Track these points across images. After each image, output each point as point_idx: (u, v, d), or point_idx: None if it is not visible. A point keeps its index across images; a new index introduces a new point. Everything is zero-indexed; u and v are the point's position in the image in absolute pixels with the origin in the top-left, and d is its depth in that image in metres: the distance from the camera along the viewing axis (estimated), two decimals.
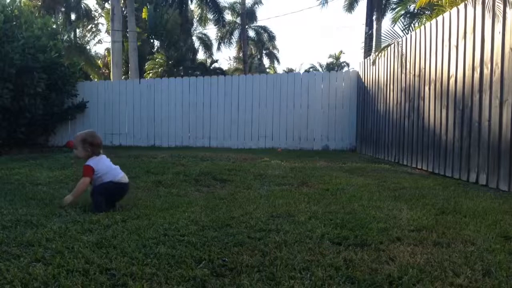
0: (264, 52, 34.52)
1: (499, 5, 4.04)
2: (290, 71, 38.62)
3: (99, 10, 26.86)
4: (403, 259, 1.91)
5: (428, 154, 5.50)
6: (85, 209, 2.89)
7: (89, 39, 26.25)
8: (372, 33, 16.40)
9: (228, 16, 27.14)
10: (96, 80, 20.18)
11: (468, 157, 4.55)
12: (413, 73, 6.06)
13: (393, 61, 6.87)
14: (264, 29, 30.21)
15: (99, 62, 24.79)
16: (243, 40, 27.27)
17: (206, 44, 28.18)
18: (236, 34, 28.19)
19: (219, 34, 27.79)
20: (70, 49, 16.66)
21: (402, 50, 6.46)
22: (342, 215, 2.78)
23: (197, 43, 28.14)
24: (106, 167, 3.06)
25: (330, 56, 41.27)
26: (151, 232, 2.31)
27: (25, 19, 8.99)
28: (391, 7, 16.45)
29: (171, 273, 1.71)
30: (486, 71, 4.25)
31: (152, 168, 5.30)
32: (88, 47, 23.47)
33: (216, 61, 28.76)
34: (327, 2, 19.23)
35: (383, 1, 18.13)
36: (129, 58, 17.01)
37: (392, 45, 6.83)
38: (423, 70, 5.70)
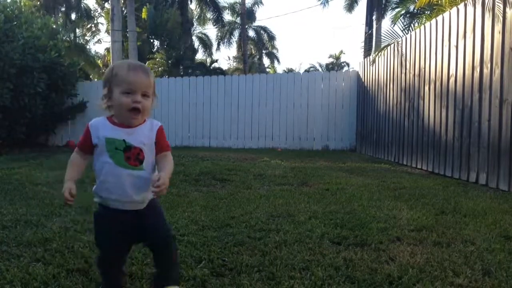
0: (264, 52, 34.51)
1: (499, 5, 4.04)
2: (290, 71, 38.59)
3: (99, 10, 26.88)
4: (403, 259, 1.91)
5: (428, 154, 5.50)
6: (86, 210, 2.89)
7: (89, 39, 26.26)
8: (372, 33, 16.38)
9: (228, 16, 27.16)
10: (96, 80, 20.17)
11: (468, 157, 4.55)
12: (413, 73, 6.05)
13: (393, 61, 6.87)
14: (264, 29, 30.20)
15: (99, 62, 24.78)
16: (243, 40, 27.25)
17: (206, 44, 28.17)
18: (236, 34, 28.18)
19: (219, 34, 27.79)
20: (70, 49, 16.66)
21: (402, 50, 6.47)
22: (342, 215, 2.78)
23: (196, 43, 28.13)
24: None
25: (330, 56, 41.30)
26: None
27: (25, 19, 8.98)
28: (391, 7, 16.44)
29: None
30: (486, 71, 4.25)
31: None
32: (88, 47, 23.47)
33: (216, 61, 28.71)
34: (328, 2, 19.24)
35: (383, 1, 18.12)
36: (129, 58, 17.02)
37: (392, 45, 6.83)
38: (423, 70, 5.70)
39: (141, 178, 1.46)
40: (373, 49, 8.38)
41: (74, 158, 1.56)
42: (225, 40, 27.90)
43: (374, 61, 7.76)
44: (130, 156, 1.45)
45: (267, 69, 35.85)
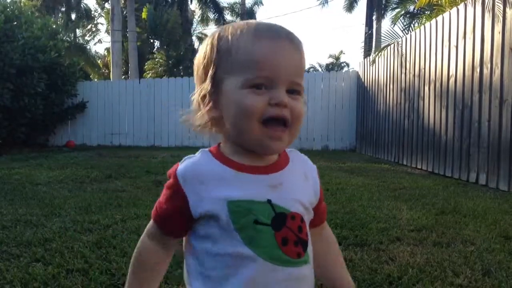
0: None
1: (499, 5, 4.04)
2: None
3: (99, 10, 26.88)
4: (402, 259, 1.91)
5: (428, 154, 5.50)
6: (86, 210, 2.89)
7: (89, 39, 26.27)
8: (372, 33, 16.39)
9: (227, 16, 27.15)
10: (96, 80, 20.18)
11: (468, 157, 4.55)
12: (412, 73, 6.05)
13: (393, 61, 6.87)
14: None
15: (99, 62, 24.78)
16: None
17: None
18: None
19: None
20: (70, 49, 16.66)
21: (402, 50, 6.47)
22: (342, 215, 2.78)
23: (196, 43, 28.15)
24: None
25: (330, 56, 41.26)
26: None
27: (25, 19, 8.98)
28: (391, 7, 16.45)
29: (171, 273, 1.71)
30: (486, 71, 4.25)
31: (152, 168, 5.30)
32: (88, 47, 23.48)
33: None
34: (327, 2, 19.27)
35: (383, 1, 18.13)
36: (129, 58, 17.01)
37: (392, 45, 6.83)
38: (423, 70, 5.70)
39: (309, 281, 0.71)
40: (373, 49, 8.38)
41: (145, 252, 0.76)
42: None
43: (374, 61, 7.76)
44: (288, 236, 0.68)
45: None
